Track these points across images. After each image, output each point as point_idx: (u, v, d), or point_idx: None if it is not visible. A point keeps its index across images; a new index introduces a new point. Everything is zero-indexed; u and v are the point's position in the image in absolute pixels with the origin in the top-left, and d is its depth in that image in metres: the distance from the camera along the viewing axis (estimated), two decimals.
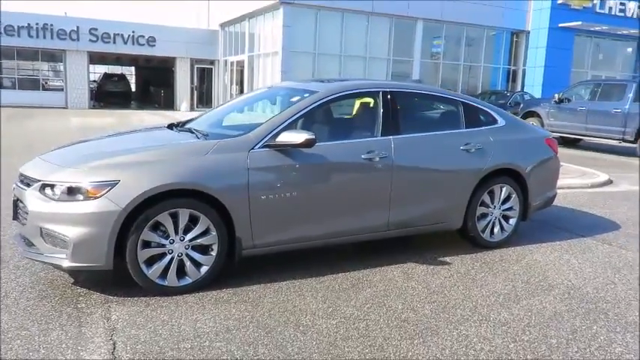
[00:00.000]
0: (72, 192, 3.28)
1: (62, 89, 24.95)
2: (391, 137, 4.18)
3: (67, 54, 24.36)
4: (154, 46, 25.66)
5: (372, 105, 4.29)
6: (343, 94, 4.23)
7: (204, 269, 3.55)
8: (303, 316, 3.24)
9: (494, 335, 3.09)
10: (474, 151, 4.54)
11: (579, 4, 23.08)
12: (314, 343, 2.92)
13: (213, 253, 3.56)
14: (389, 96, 4.31)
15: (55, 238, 3.29)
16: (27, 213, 3.39)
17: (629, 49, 26.34)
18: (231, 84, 25.71)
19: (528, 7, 23.73)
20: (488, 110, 4.87)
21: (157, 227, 3.39)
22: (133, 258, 3.33)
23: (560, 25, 22.97)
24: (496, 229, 4.78)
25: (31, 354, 2.69)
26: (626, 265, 4.44)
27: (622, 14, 24.10)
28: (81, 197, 3.26)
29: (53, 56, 24.99)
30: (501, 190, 4.73)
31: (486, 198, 4.67)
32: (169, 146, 3.82)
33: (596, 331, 3.19)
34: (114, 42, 24.89)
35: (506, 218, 4.83)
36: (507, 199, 4.79)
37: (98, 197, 3.24)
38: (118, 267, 3.36)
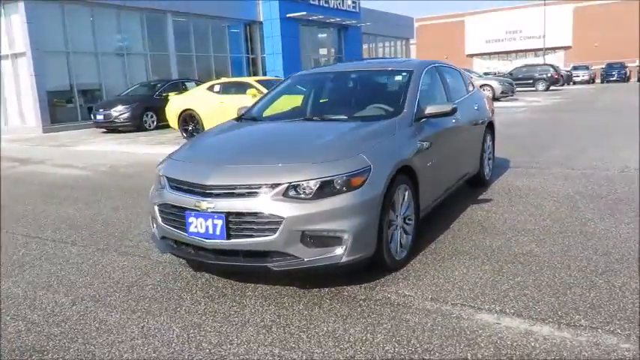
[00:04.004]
0: (328, 186, 3.11)
1: None
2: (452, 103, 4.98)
3: None
4: None
5: (435, 78, 4.98)
6: (428, 68, 4.79)
7: (409, 239, 3.77)
8: (517, 249, 3.90)
9: (612, 226, 4.36)
10: (478, 109, 5.71)
11: None
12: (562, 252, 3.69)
13: (412, 222, 3.81)
14: (441, 70, 5.09)
15: (325, 237, 3.09)
16: (277, 222, 3.02)
17: (334, 35, 31.43)
18: None
19: None
20: (470, 79, 6.09)
21: None
22: (386, 239, 3.38)
23: (288, 15, 25.82)
24: (487, 170, 6.10)
25: (398, 343, 2.71)
26: (570, 175, 6.35)
27: (327, 5, 28.52)
28: (339, 189, 3.11)
29: None
30: (487, 137, 6.05)
31: (484, 145, 5.93)
32: (362, 131, 3.76)
33: None
34: None
35: (488, 159, 6.20)
36: (489, 144, 6.15)
37: (361, 186, 3.17)
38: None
